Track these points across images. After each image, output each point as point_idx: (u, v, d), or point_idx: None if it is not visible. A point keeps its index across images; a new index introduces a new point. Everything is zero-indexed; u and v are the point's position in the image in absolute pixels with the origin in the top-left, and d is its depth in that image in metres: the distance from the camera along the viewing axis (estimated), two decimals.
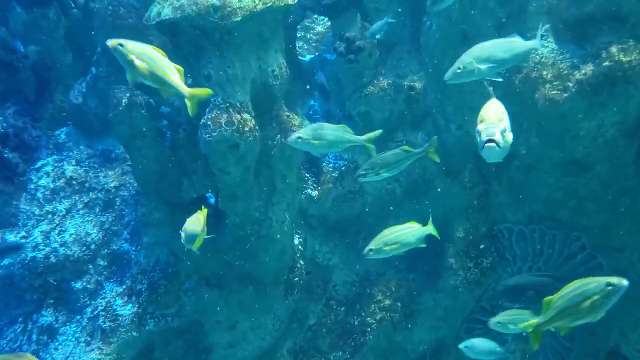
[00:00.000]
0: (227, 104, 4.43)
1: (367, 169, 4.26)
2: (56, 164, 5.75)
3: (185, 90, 3.59)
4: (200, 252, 5.01)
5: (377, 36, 5.20)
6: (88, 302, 5.25)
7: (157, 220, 5.09)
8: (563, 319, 3.50)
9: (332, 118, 5.83)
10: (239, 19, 4.28)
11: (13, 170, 5.68)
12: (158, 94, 5.48)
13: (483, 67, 3.91)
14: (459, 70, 3.91)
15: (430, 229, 4.38)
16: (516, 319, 4.21)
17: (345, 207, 5.57)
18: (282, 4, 4.50)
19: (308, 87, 5.99)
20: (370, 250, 4.22)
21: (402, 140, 5.45)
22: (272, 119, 4.84)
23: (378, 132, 4.33)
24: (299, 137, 4.12)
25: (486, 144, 3.31)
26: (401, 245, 4.25)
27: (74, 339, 5.15)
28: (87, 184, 5.70)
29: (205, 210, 4.18)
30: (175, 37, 4.56)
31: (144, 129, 4.87)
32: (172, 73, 3.55)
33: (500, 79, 4.05)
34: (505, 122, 3.42)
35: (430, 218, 4.43)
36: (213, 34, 4.36)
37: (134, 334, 5.01)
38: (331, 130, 4.17)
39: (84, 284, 5.35)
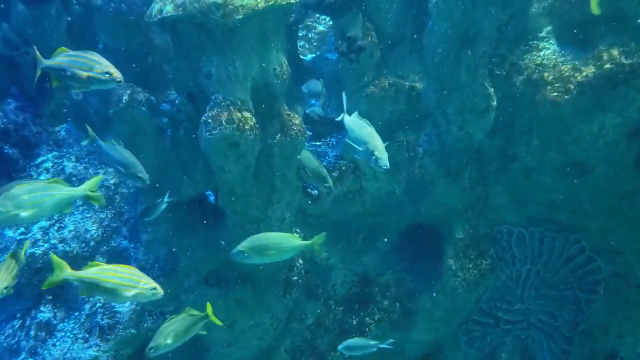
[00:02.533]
0: (228, 102, 4.43)
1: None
2: (56, 161, 5.75)
3: None
4: (200, 251, 5.05)
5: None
6: (86, 299, 5.24)
7: (157, 217, 5.08)
8: None
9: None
10: (240, 17, 4.28)
11: (13, 166, 5.68)
12: (159, 92, 5.51)
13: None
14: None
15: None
16: None
17: (344, 207, 5.56)
18: (284, 3, 4.49)
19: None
20: None
21: (402, 140, 5.45)
22: (272, 118, 4.84)
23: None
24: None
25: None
26: None
27: (72, 336, 5.15)
28: (86, 181, 5.69)
29: None
30: (176, 35, 4.56)
31: (144, 127, 4.88)
32: None
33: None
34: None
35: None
36: (214, 32, 4.36)
37: (132, 331, 5.01)
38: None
39: None
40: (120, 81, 3.78)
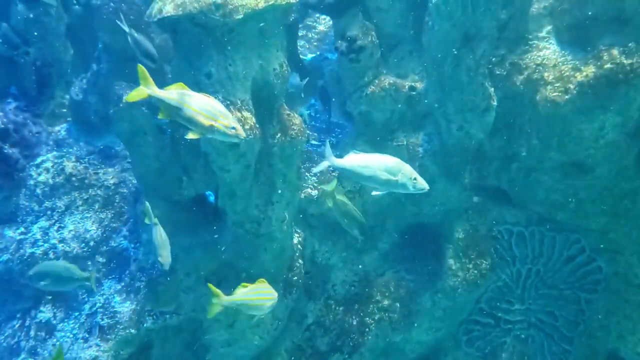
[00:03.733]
0: (228, 102, 4.43)
1: None
2: (56, 161, 5.74)
3: None
4: (199, 251, 5.04)
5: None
6: (86, 299, 5.24)
7: (157, 217, 5.08)
8: None
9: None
10: (240, 16, 4.28)
11: (13, 166, 5.67)
12: None
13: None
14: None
15: None
16: None
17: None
18: (284, 3, 4.49)
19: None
20: None
21: (403, 140, 5.45)
22: (272, 118, 4.84)
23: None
24: None
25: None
26: None
27: (72, 336, 5.15)
28: (86, 181, 5.69)
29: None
30: (176, 35, 4.56)
31: (144, 126, 4.87)
32: None
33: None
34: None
35: None
36: (214, 32, 4.36)
37: (132, 331, 5.01)
38: None
39: None
40: (243, 138, 3.66)
